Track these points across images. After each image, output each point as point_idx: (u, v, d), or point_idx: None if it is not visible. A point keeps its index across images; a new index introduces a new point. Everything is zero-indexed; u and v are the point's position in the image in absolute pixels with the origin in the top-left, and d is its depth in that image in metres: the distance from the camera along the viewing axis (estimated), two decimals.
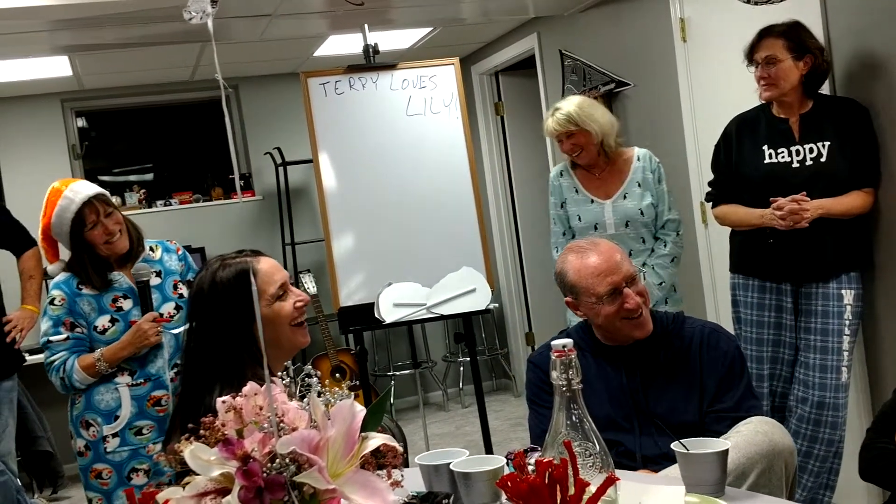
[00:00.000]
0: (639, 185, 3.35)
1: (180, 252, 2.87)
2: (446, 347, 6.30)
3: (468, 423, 5.57)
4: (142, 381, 2.68)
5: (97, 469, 2.66)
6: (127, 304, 2.68)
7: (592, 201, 3.38)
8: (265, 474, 1.13)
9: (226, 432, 1.20)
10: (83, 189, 2.67)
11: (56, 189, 2.68)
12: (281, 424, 1.18)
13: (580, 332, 2.23)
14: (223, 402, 1.22)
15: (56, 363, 2.62)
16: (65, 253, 2.77)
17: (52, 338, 2.62)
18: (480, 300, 3.91)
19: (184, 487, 1.17)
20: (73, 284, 2.65)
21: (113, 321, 2.65)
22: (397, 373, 5.96)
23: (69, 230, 2.64)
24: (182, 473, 1.20)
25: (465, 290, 3.91)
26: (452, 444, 4.85)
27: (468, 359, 5.67)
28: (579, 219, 3.37)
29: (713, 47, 3.65)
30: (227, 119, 1.04)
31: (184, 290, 2.78)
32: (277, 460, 1.14)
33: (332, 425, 1.19)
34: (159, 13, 3.48)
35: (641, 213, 3.30)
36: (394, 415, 5.82)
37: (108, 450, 2.64)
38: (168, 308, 2.74)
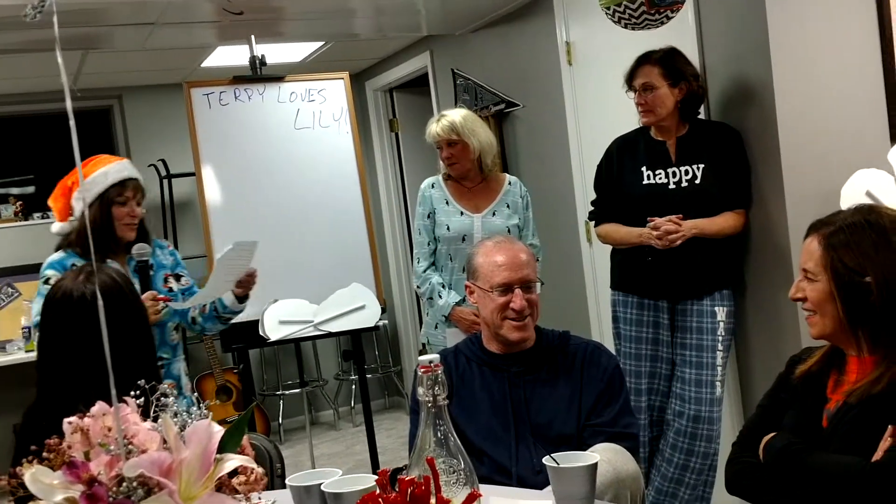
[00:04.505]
0: (507, 206, 3.46)
1: (170, 249, 3.02)
2: (338, 366, 6.22)
3: (359, 441, 5.50)
4: None
5: None
6: None
7: (462, 213, 3.43)
8: (111, 498, 1.08)
9: (72, 454, 1.14)
10: (133, 168, 2.87)
11: (108, 157, 2.86)
12: (130, 446, 1.12)
13: (469, 344, 2.28)
14: (69, 422, 1.15)
15: None
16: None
17: None
18: (370, 317, 3.88)
19: None
20: (68, 265, 2.69)
21: None
22: (286, 392, 5.85)
23: (103, 191, 2.73)
24: (23, 498, 1.13)
25: (354, 307, 3.87)
26: (341, 465, 4.79)
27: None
28: (448, 228, 3.41)
29: (597, 70, 3.75)
30: (73, 134, 0.99)
31: (173, 284, 2.94)
32: (125, 484, 1.08)
33: (187, 447, 1.15)
34: (13, 21, 3.32)
35: (508, 231, 3.37)
36: (282, 435, 5.70)
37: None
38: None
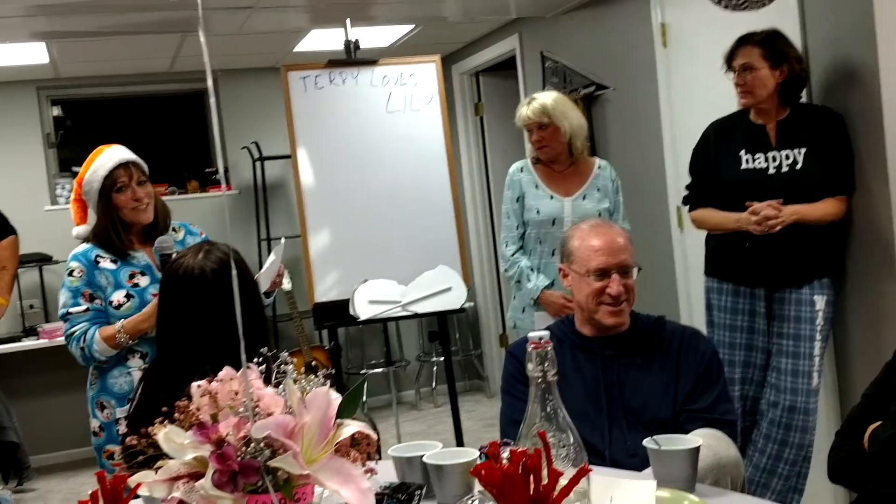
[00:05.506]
0: (598, 190, 3.45)
1: (203, 236, 2.88)
2: (420, 347, 6.29)
3: (440, 422, 5.57)
4: None
5: (109, 450, 2.64)
6: (144, 281, 2.67)
7: (552, 197, 3.42)
8: (239, 458, 1.13)
9: (200, 416, 1.20)
10: (121, 152, 2.76)
11: (99, 149, 2.77)
12: (256, 409, 1.17)
13: (561, 326, 2.27)
14: (198, 386, 1.21)
15: (76, 334, 2.61)
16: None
17: (71, 309, 2.62)
18: (456, 299, 3.91)
19: (156, 471, 1.17)
20: (92, 256, 2.65)
21: (129, 297, 2.64)
22: (370, 371, 5.95)
23: (99, 188, 2.67)
24: (154, 457, 1.19)
25: (440, 289, 3.91)
26: None
27: (441, 358, 5.67)
28: (538, 212, 3.41)
29: (693, 53, 3.69)
30: (212, 101, 1.04)
31: None
32: (252, 445, 1.14)
33: (308, 412, 1.19)
34: (139, 2, 3.46)
35: (599, 215, 3.35)
36: (365, 412, 5.81)
37: (120, 432, 2.62)
38: None
